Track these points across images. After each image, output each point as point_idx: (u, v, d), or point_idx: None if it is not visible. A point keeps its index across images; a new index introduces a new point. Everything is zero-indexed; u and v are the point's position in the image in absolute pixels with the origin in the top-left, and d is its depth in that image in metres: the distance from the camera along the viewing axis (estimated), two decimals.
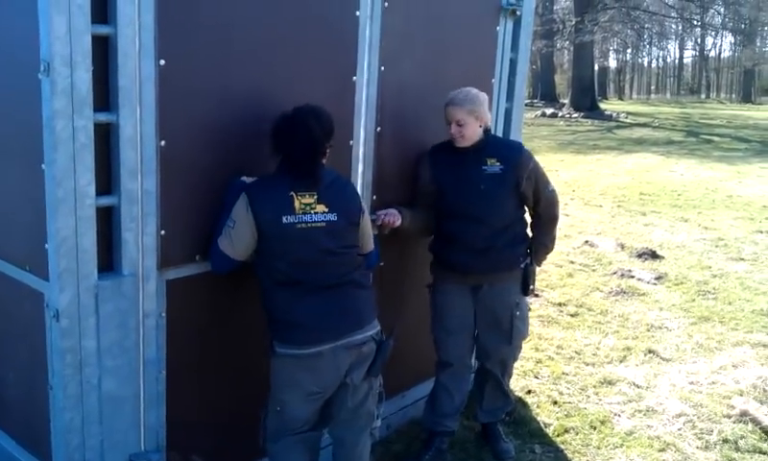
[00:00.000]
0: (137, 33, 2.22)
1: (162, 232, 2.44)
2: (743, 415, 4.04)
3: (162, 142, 2.37)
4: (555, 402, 4.20)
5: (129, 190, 2.32)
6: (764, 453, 3.71)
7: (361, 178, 3.20)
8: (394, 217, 3.17)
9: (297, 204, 2.51)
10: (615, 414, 4.07)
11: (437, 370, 3.50)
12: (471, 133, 3.19)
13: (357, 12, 2.96)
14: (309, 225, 2.51)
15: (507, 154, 3.27)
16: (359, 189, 3.06)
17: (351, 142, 3.10)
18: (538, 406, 4.14)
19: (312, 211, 2.52)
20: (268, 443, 2.70)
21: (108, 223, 2.33)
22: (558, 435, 3.83)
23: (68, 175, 2.16)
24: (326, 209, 2.54)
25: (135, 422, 2.53)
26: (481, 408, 3.64)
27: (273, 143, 2.54)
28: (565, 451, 3.69)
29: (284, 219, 2.48)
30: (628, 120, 25.74)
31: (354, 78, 3.03)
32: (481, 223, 3.22)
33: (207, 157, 2.54)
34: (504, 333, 3.36)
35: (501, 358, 3.48)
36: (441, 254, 3.38)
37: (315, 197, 2.53)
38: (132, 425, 2.52)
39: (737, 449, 3.74)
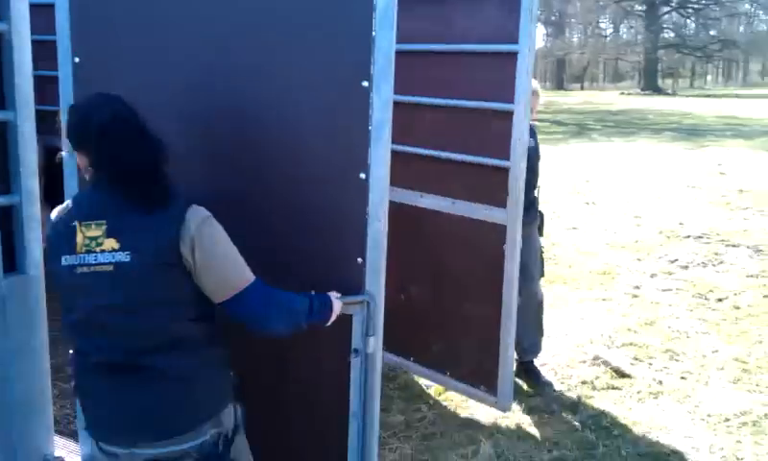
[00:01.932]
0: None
1: None
2: (596, 359, 4.57)
3: None
4: None
5: (29, 190, 2.31)
6: (617, 388, 4.24)
7: None
8: None
9: (79, 238, 1.80)
10: None
11: None
12: None
13: None
14: (92, 268, 1.78)
15: None
16: None
17: None
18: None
19: (97, 249, 1.78)
20: None
21: (9, 223, 2.31)
22: (439, 395, 4.15)
23: None
24: (116, 246, 1.77)
25: (47, 423, 2.51)
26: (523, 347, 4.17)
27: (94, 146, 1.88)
28: (448, 407, 4.02)
29: (63, 260, 1.82)
30: None
31: None
32: None
33: None
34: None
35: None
36: None
37: (103, 227, 1.79)
38: (44, 427, 2.50)
39: (594, 388, 4.24)
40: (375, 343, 2.30)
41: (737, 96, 44.08)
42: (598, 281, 6.20)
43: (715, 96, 45.18)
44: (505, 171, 3.43)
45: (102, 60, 2.51)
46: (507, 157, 3.42)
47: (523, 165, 3.42)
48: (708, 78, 72.40)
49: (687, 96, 45.51)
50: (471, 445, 3.57)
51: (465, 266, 3.69)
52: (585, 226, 8.26)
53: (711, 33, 54.13)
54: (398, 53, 2.22)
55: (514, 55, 3.32)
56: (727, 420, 3.82)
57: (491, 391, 3.68)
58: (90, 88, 2.25)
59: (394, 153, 2.29)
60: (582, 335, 4.98)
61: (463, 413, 3.94)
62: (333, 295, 2.14)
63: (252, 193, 2.42)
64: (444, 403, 4.05)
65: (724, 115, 26.59)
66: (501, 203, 3.47)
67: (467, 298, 3.71)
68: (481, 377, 3.71)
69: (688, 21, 56.47)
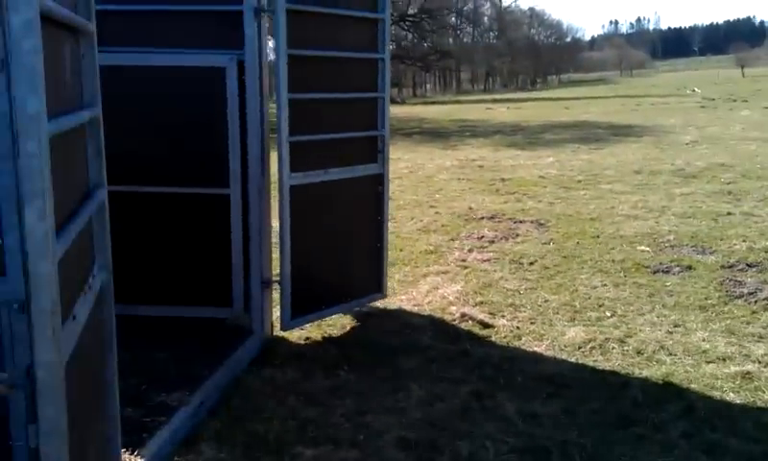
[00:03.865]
0: None
1: None
2: (463, 316, 5.39)
3: None
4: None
5: None
6: (486, 336, 5.09)
7: None
8: None
9: None
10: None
11: None
12: None
13: None
14: None
15: None
16: None
17: None
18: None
19: None
20: None
21: None
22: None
23: None
24: None
25: None
26: None
27: None
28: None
29: None
30: None
31: None
32: None
33: None
34: None
35: None
36: None
37: None
38: None
39: (470, 339, 5.05)
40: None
41: (458, 102, 49.11)
42: (432, 259, 7.10)
43: (439, 103, 49.87)
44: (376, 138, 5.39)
45: None
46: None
47: (388, 132, 5.43)
48: (428, 86, 79.28)
49: (414, 104, 49.71)
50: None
51: (359, 209, 5.36)
52: (394, 217, 9.17)
53: (425, 44, 59.33)
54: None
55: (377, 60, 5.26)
56: (579, 347, 4.83)
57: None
58: None
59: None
60: (442, 301, 5.79)
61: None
62: None
63: None
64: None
65: (455, 119, 29.75)
66: (375, 159, 5.38)
67: (360, 230, 5.42)
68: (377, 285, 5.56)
69: (408, 34, 61.52)
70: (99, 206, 2.78)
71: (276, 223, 5.02)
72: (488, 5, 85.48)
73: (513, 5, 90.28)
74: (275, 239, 5.21)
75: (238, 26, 4.62)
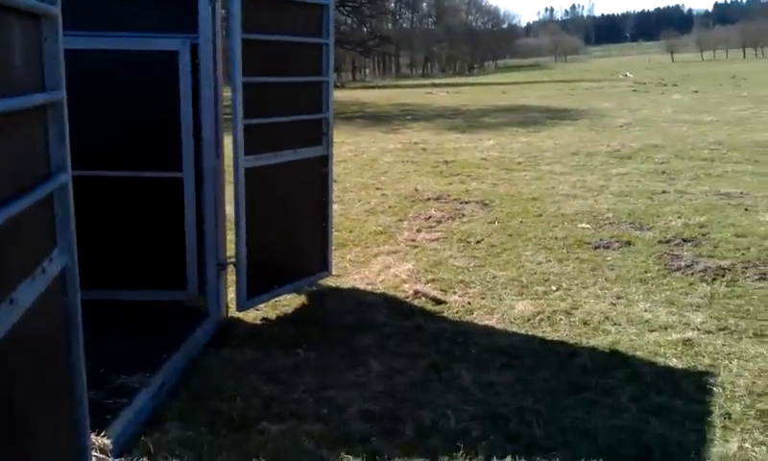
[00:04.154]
0: None
1: None
2: (416, 293, 5.52)
3: None
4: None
5: None
6: (439, 312, 5.22)
7: None
8: None
9: None
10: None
11: None
12: None
13: None
14: None
15: None
16: None
17: None
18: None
19: None
20: None
21: None
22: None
23: None
24: None
25: None
26: None
27: None
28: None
29: None
30: None
31: None
32: None
33: None
34: None
35: None
36: None
37: None
38: None
39: (423, 315, 5.17)
40: None
41: (397, 86, 49.29)
42: (381, 239, 7.20)
43: (378, 87, 49.95)
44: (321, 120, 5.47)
45: None
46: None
47: (332, 115, 5.54)
48: (367, 71, 79.24)
49: (354, 89, 49.67)
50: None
51: (306, 190, 5.48)
52: (342, 199, 9.24)
53: (364, 29, 59.32)
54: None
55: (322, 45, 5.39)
56: (529, 320, 5.01)
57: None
58: None
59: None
60: (394, 279, 5.90)
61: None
62: None
63: None
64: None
65: (396, 103, 29.93)
66: (320, 142, 5.47)
67: (307, 211, 5.54)
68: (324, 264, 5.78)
69: (347, 19, 61.31)
70: (61, 189, 2.77)
71: (229, 207, 5.04)
72: None
73: None
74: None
75: (192, 9, 4.60)
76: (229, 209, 5.05)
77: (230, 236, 5.15)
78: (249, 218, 4.86)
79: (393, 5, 72.63)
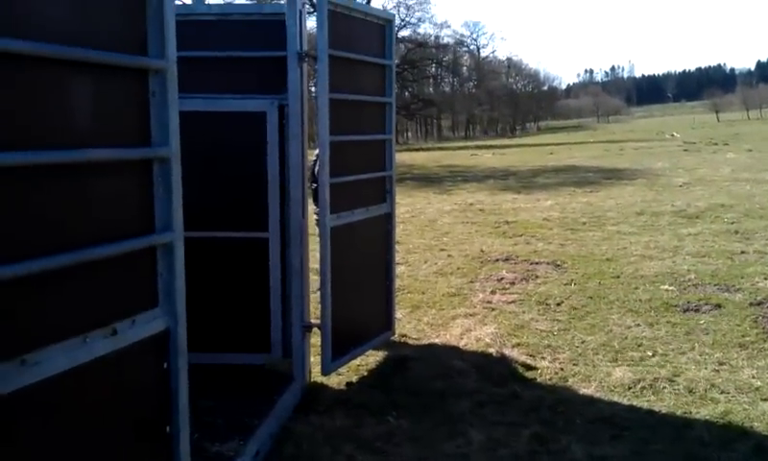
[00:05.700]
0: None
1: None
2: (503, 357, 5.28)
3: None
4: None
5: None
6: (531, 378, 4.97)
7: None
8: None
9: None
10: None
11: None
12: None
13: None
14: None
15: None
16: None
17: None
18: None
19: None
20: None
21: None
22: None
23: None
24: None
25: None
26: None
27: None
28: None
29: None
30: None
31: None
32: None
33: None
34: None
35: None
36: None
37: None
38: None
39: (516, 382, 4.92)
40: None
41: (441, 148, 49.50)
42: (456, 301, 6.99)
43: (423, 149, 50.23)
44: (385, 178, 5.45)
45: None
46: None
47: (394, 173, 5.54)
48: (409, 134, 79.99)
49: (399, 150, 49.96)
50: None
51: (373, 249, 5.39)
52: (407, 261, 9.08)
53: (406, 94, 60.07)
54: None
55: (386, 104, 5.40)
56: (630, 388, 4.73)
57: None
58: None
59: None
60: (477, 343, 5.67)
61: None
62: None
63: None
64: None
65: (443, 165, 29.96)
66: (384, 199, 5.45)
67: (374, 269, 5.42)
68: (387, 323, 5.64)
69: None
70: (165, 248, 2.66)
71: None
72: (467, 56, 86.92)
73: (491, 55, 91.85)
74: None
75: (281, 71, 4.58)
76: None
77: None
78: (333, 279, 4.72)
79: (434, 69, 73.58)
